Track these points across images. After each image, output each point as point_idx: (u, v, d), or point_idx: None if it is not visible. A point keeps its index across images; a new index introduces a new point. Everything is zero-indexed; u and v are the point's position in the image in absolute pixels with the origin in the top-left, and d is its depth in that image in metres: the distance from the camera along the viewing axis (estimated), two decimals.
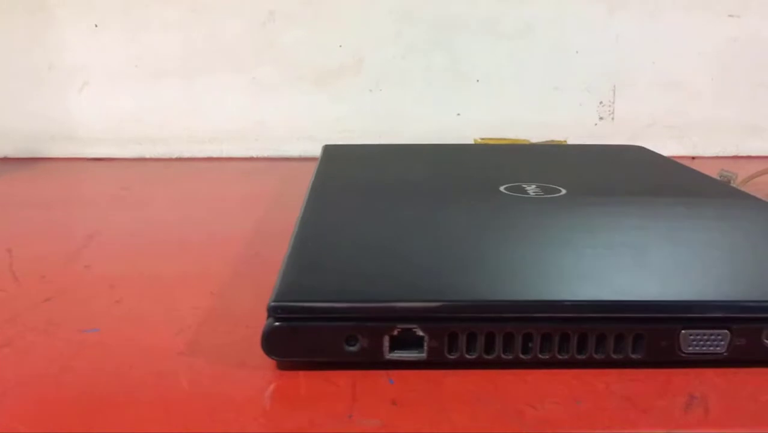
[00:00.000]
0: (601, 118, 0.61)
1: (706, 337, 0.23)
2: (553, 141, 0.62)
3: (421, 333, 0.23)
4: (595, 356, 0.23)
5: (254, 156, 0.61)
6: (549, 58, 0.60)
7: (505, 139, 0.62)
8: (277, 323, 0.23)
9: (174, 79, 0.61)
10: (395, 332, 0.23)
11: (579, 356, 0.23)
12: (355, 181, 0.41)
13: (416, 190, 0.38)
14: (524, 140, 0.62)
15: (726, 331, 0.23)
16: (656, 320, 0.23)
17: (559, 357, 0.23)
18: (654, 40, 0.59)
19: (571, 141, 0.61)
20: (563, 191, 0.37)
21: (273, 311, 0.23)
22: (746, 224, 0.32)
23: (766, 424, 0.20)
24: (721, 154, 0.61)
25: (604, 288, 0.24)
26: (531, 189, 0.37)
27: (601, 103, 0.61)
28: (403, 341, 0.23)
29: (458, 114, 0.61)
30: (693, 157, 0.61)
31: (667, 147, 0.61)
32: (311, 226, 0.30)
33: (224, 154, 0.62)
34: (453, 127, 0.61)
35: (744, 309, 0.23)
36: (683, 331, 0.23)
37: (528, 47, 0.60)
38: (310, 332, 0.23)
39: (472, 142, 0.62)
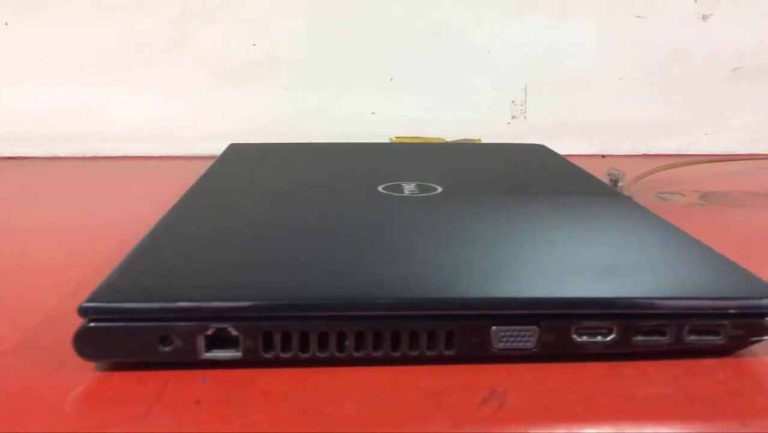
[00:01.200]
0: (513, 117, 0.62)
1: (515, 333, 0.23)
2: (467, 139, 0.63)
3: (235, 333, 0.23)
4: (410, 353, 0.23)
5: (168, 155, 0.61)
6: (461, 58, 0.61)
7: (420, 137, 0.62)
8: (89, 325, 0.23)
9: (87, 77, 0.60)
10: (209, 332, 0.23)
11: (393, 354, 0.23)
12: (236, 181, 0.41)
13: (294, 191, 0.38)
14: (439, 139, 0.63)
15: (535, 327, 0.23)
16: (467, 317, 0.23)
17: (374, 355, 0.23)
18: (563, 41, 0.60)
19: (484, 140, 0.62)
20: (439, 190, 0.38)
21: (84, 312, 0.23)
22: (596, 223, 0.32)
23: (556, 418, 0.21)
24: (631, 152, 0.63)
25: (416, 285, 0.24)
26: (408, 188, 0.38)
27: (513, 102, 0.62)
28: (220, 341, 0.23)
29: (373, 113, 0.62)
30: (603, 156, 0.62)
31: (579, 146, 0.63)
32: (161, 227, 0.30)
33: (138, 153, 0.61)
34: (369, 126, 0.61)
35: (552, 305, 0.23)
36: (494, 327, 0.23)
37: (440, 47, 0.60)
38: (124, 333, 0.23)
39: (387, 140, 0.62)
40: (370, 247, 0.28)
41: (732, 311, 0.23)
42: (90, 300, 0.23)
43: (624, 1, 0.60)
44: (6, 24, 0.60)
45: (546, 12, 0.60)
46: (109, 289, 0.23)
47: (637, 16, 0.60)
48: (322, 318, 0.23)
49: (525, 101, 0.62)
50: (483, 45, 0.61)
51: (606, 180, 0.47)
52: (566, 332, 0.23)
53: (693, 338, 0.24)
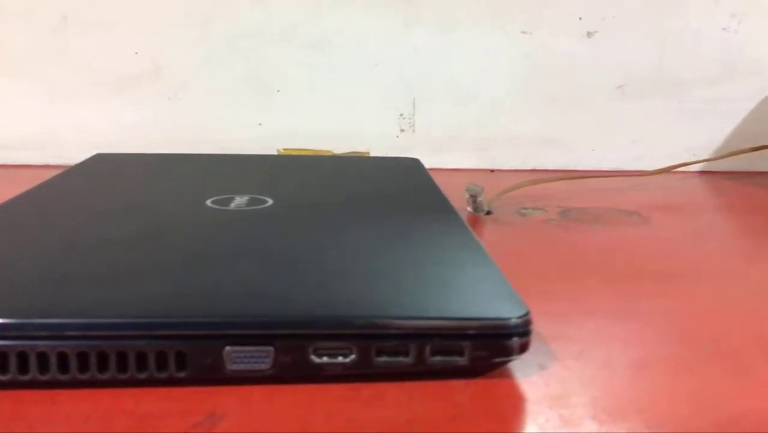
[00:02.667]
0: (402, 131, 0.62)
1: (249, 354, 0.23)
2: (355, 152, 0.62)
3: None
4: (138, 375, 0.22)
5: (49, 164, 0.60)
6: (349, 70, 0.60)
7: (308, 150, 0.62)
8: None
9: None
10: None
11: (120, 376, 0.22)
12: (63, 193, 0.39)
13: (117, 204, 0.37)
14: (327, 151, 0.62)
15: (270, 347, 0.23)
16: (197, 337, 0.22)
17: (100, 377, 0.22)
18: (450, 54, 0.60)
19: (374, 153, 0.62)
20: (269, 203, 0.37)
21: None
22: (394, 241, 0.31)
23: None
24: (521, 167, 0.62)
25: (144, 304, 0.23)
26: (237, 201, 0.37)
27: (401, 115, 0.61)
28: None
29: (260, 124, 0.61)
30: (492, 170, 0.62)
31: (468, 160, 0.62)
32: None
33: (18, 162, 0.59)
34: (256, 137, 0.61)
35: (287, 325, 0.23)
36: (227, 348, 0.22)
37: (328, 58, 0.60)
38: None
39: (275, 152, 0.61)
40: (132, 263, 0.27)
41: (472, 332, 0.23)
42: None
43: (510, 16, 0.60)
44: None
45: (433, 25, 0.60)
46: None
47: (523, 32, 0.60)
48: (40, 338, 0.22)
49: (413, 114, 0.62)
50: (370, 57, 0.60)
51: (466, 196, 0.47)
52: (303, 352, 0.23)
53: (437, 358, 0.23)
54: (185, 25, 0.59)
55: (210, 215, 0.35)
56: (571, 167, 0.62)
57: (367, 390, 0.23)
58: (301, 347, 0.23)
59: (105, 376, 0.22)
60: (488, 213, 0.47)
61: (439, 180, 0.46)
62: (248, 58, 0.60)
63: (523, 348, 0.23)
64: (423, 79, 0.61)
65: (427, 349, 0.23)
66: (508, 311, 0.23)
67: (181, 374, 0.23)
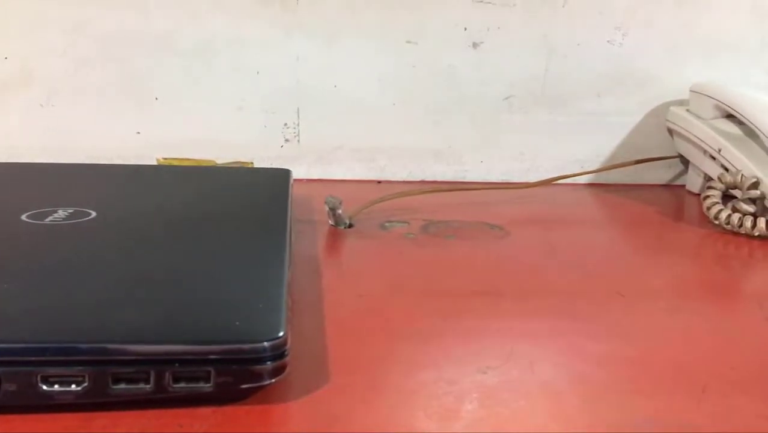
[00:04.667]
0: (287, 140, 0.61)
1: None
2: (239, 162, 0.61)
3: None
4: None
5: None
6: (230, 78, 0.59)
7: (190, 159, 0.60)
8: None
9: None
10: None
11: None
12: None
13: None
14: (210, 161, 0.60)
15: None
16: None
17: None
18: (334, 64, 0.59)
19: (257, 163, 0.60)
20: (91, 216, 0.35)
21: None
22: (193, 258, 0.30)
23: None
24: (409, 178, 0.62)
25: None
26: (57, 215, 0.35)
27: (285, 125, 0.60)
28: None
29: (138, 132, 0.59)
30: (379, 182, 0.61)
31: (356, 170, 0.61)
32: None
33: None
34: (134, 146, 0.59)
35: (10, 352, 0.21)
36: None
37: (207, 66, 0.58)
38: None
39: (154, 162, 0.60)
40: None
41: (214, 357, 0.22)
42: None
43: (394, 26, 0.59)
44: None
45: (315, 34, 0.59)
46: None
47: (408, 42, 0.60)
48: None
49: (298, 124, 0.60)
50: (252, 65, 0.59)
51: (325, 208, 0.46)
52: (31, 380, 0.21)
53: (180, 385, 0.22)
54: (57, 29, 0.57)
55: (17, 231, 0.33)
56: (459, 179, 0.62)
57: (102, 420, 0.21)
58: (28, 375, 0.21)
59: None
60: (350, 226, 0.46)
61: (319, 192, 0.45)
62: (124, 65, 0.58)
63: (276, 373, 0.22)
64: (307, 88, 0.60)
65: (167, 375, 0.22)
66: (259, 334, 0.22)
67: None
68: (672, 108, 0.61)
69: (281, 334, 0.22)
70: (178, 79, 0.59)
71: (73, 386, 0.21)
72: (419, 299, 0.34)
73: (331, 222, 0.46)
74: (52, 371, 0.21)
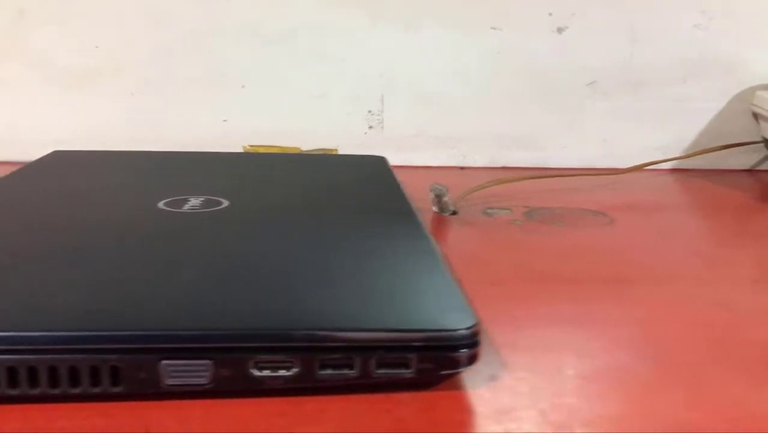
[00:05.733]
0: (370, 127, 0.61)
1: (186, 368, 0.22)
2: (324, 149, 0.61)
3: None
4: (71, 390, 0.22)
5: (7, 161, 0.58)
6: (315, 65, 0.59)
7: (275, 146, 0.61)
8: None
9: None
10: None
11: (52, 391, 0.21)
12: (14, 194, 0.38)
13: (68, 205, 0.36)
14: (295, 148, 0.61)
15: (209, 361, 0.22)
16: (131, 351, 0.22)
17: (31, 393, 0.21)
18: (419, 50, 0.59)
19: (342, 150, 0.61)
20: (224, 204, 0.36)
21: None
22: (350, 246, 0.31)
23: None
24: (490, 165, 0.62)
25: (77, 318, 0.22)
26: (192, 203, 0.36)
27: (369, 112, 0.61)
28: None
29: (225, 120, 0.60)
30: (462, 168, 0.61)
31: (437, 157, 0.62)
32: None
33: None
34: (220, 134, 0.59)
35: (225, 338, 0.22)
36: (163, 362, 0.22)
37: (294, 54, 0.59)
38: None
39: (241, 149, 0.60)
40: (72, 273, 0.26)
41: (418, 344, 0.22)
42: None
43: (479, 12, 0.59)
44: None
45: (400, 21, 0.59)
46: None
47: (492, 28, 0.60)
48: None
49: (382, 111, 0.61)
50: (338, 53, 0.59)
51: (430, 195, 0.46)
52: (243, 366, 0.22)
53: (382, 371, 0.22)
54: (147, 18, 0.58)
55: (161, 219, 0.34)
56: (541, 165, 0.62)
57: (309, 404, 0.22)
58: (241, 361, 0.22)
59: (35, 392, 0.21)
60: (454, 213, 0.46)
61: (406, 179, 0.46)
62: (212, 53, 0.59)
63: (472, 360, 0.23)
64: (391, 75, 0.60)
65: (372, 362, 0.22)
66: (455, 322, 0.23)
67: (116, 389, 0.22)
68: (759, 92, 0.61)
69: (476, 322, 0.23)
70: (264, 67, 0.59)
71: (282, 371, 0.22)
72: (554, 286, 0.34)
73: (435, 209, 0.46)
74: (264, 357, 0.22)
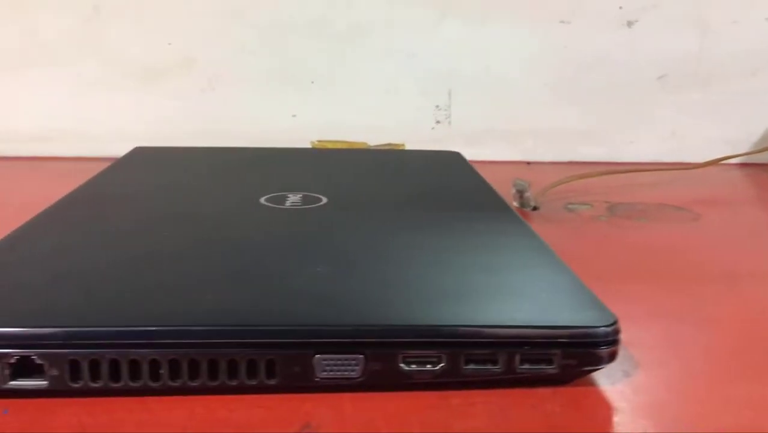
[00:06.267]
0: (438, 122, 0.61)
1: (339, 362, 0.22)
2: (390, 144, 0.61)
3: (39, 361, 0.22)
4: (229, 382, 0.22)
5: (80, 156, 0.59)
6: (384, 61, 0.59)
7: (343, 142, 0.61)
8: None
9: None
10: (13, 360, 0.22)
11: (211, 383, 0.22)
12: (115, 190, 0.39)
13: (171, 202, 0.37)
14: (362, 144, 0.61)
15: (360, 355, 0.22)
16: (287, 345, 0.22)
17: (191, 384, 0.22)
18: (487, 45, 0.59)
19: (409, 145, 0.61)
20: (323, 201, 0.37)
21: None
22: (460, 243, 0.31)
23: None
24: (557, 159, 0.62)
25: (235, 312, 0.23)
26: (292, 199, 0.37)
27: (437, 106, 0.61)
28: (26, 369, 0.22)
29: (294, 116, 0.60)
30: (528, 163, 0.62)
31: (504, 152, 0.62)
32: (9, 241, 0.29)
33: (48, 154, 0.59)
34: (289, 130, 0.60)
35: (377, 333, 0.23)
36: (317, 356, 0.22)
37: (363, 49, 0.59)
38: None
39: (309, 144, 0.61)
40: (208, 268, 0.27)
41: (563, 340, 0.23)
42: None
43: (548, 6, 0.59)
44: None
45: (470, 16, 0.59)
46: None
47: (562, 22, 0.59)
48: (132, 346, 0.22)
49: (449, 106, 0.61)
50: (406, 48, 0.60)
51: (512, 191, 0.46)
52: (393, 360, 0.22)
53: (525, 367, 0.23)
54: (218, 15, 0.59)
55: (268, 215, 0.35)
56: (608, 160, 0.62)
57: (455, 398, 0.23)
58: (391, 356, 0.22)
59: (196, 383, 0.22)
60: (535, 208, 0.47)
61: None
62: (281, 50, 0.59)
63: (612, 357, 0.23)
64: (459, 70, 0.60)
65: (517, 357, 0.23)
66: (597, 319, 0.23)
67: (271, 382, 0.22)
68: None
69: (616, 319, 0.23)
70: (333, 63, 0.60)
71: (429, 366, 0.23)
72: (660, 283, 0.34)
73: (516, 204, 0.46)
74: (413, 352, 0.23)
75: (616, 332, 0.23)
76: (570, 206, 0.47)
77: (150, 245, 0.30)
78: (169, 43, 0.58)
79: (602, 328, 0.23)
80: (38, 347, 0.22)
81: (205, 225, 0.33)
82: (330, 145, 0.62)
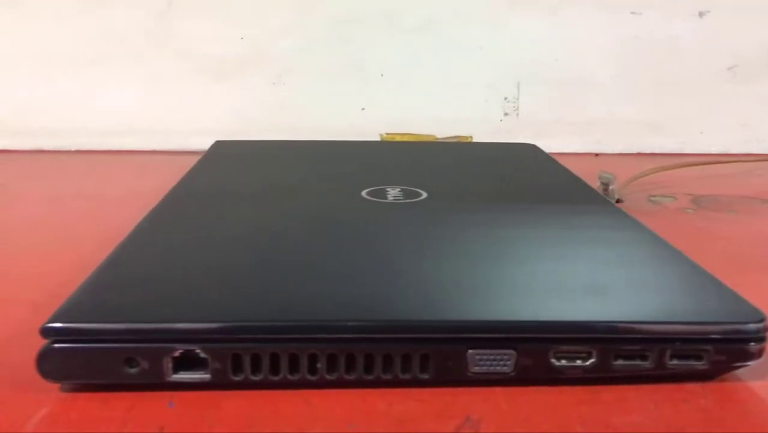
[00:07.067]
0: (506, 114, 0.61)
1: (492, 357, 0.23)
2: (458, 137, 0.62)
3: (203, 355, 0.22)
4: (383, 376, 0.23)
5: (154, 149, 0.60)
6: (453, 53, 0.59)
7: (411, 134, 0.61)
8: (54, 345, 0.22)
9: (70, 69, 0.59)
10: (176, 354, 0.22)
11: (366, 376, 0.23)
12: (218, 184, 0.40)
13: (277, 196, 0.37)
14: (430, 136, 0.62)
15: (512, 351, 0.23)
16: (442, 340, 0.23)
17: (347, 377, 0.23)
18: (556, 37, 0.59)
19: (476, 137, 0.61)
20: (424, 195, 0.37)
21: (45, 333, 0.22)
22: (576, 236, 0.31)
23: None
24: (625, 151, 0.62)
25: (391, 307, 0.23)
26: (393, 193, 0.37)
27: (505, 99, 0.61)
28: (188, 362, 0.23)
29: (363, 109, 0.60)
30: (597, 154, 0.61)
31: (571, 143, 0.62)
32: (134, 237, 0.29)
33: (123, 147, 0.60)
34: (358, 122, 0.61)
35: (529, 329, 0.23)
36: (470, 351, 0.23)
37: (431, 42, 0.59)
38: (88, 354, 0.22)
39: (377, 137, 0.61)
40: (348, 262, 0.28)
41: (715, 336, 0.23)
42: (53, 320, 0.22)
43: None
44: None
45: (539, 7, 0.59)
46: (73, 308, 0.23)
47: (633, 12, 0.59)
48: (292, 340, 0.22)
49: (518, 98, 0.61)
50: (475, 40, 0.59)
51: (596, 183, 0.46)
52: (544, 356, 0.23)
53: (675, 362, 0.23)
54: (289, 9, 0.59)
55: (374, 209, 0.35)
56: (677, 151, 0.61)
57: (606, 394, 0.23)
58: (543, 351, 0.23)
59: (351, 377, 0.23)
60: (618, 201, 0.47)
61: None
62: (352, 43, 0.60)
63: (760, 353, 0.23)
64: (528, 62, 0.60)
65: (667, 353, 0.23)
66: (746, 315, 0.23)
67: (424, 376, 0.23)
68: None
69: (764, 316, 0.23)
70: (402, 56, 0.60)
71: (578, 361, 0.23)
72: None
73: None
74: (564, 347, 0.23)
75: (765, 328, 0.23)
76: (653, 199, 0.47)
77: (278, 240, 0.30)
78: (242, 38, 0.59)
79: (753, 324, 0.23)
80: (203, 341, 0.22)
81: (321, 220, 0.33)
82: (398, 138, 0.62)
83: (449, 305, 0.24)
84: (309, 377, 0.23)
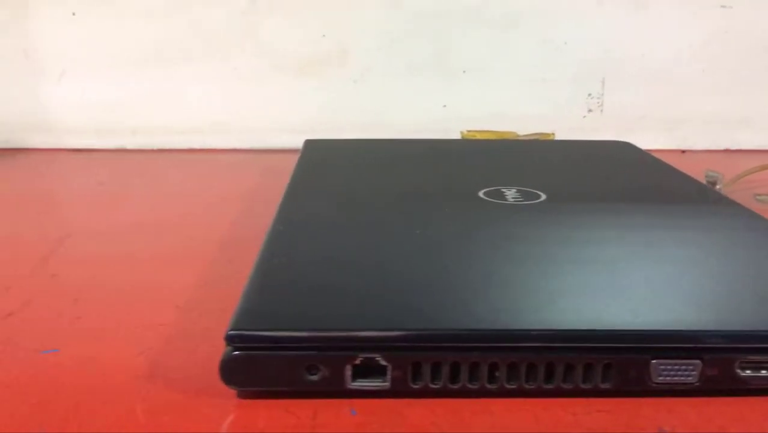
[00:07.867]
0: (590, 111, 0.60)
1: (677, 367, 0.22)
2: (540, 134, 0.61)
3: (384, 362, 0.22)
4: (563, 385, 0.22)
5: (237, 148, 0.60)
6: (537, 49, 0.59)
7: (492, 132, 0.61)
8: (235, 352, 0.22)
9: (154, 68, 0.59)
10: (357, 361, 0.22)
11: (546, 386, 0.22)
12: (332, 184, 0.40)
13: (395, 196, 0.37)
14: (511, 133, 0.61)
15: (698, 361, 0.22)
16: (626, 350, 0.22)
17: (527, 387, 0.22)
18: (643, 32, 0.58)
19: (558, 134, 0.60)
20: (543, 197, 0.36)
21: (231, 340, 0.22)
22: (725, 239, 0.31)
23: None
24: (712, 147, 0.60)
25: (573, 315, 0.23)
26: (510, 194, 0.36)
27: (590, 95, 0.60)
28: (366, 370, 0.22)
29: (444, 106, 0.60)
30: (683, 151, 0.60)
31: (657, 140, 0.61)
32: (279, 239, 0.29)
33: (206, 146, 0.60)
34: (439, 120, 0.60)
35: (716, 339, 0.22)
36: (653, 361, 0.22)
37: (515, 37, 0.58)
38: (270, 361, 0.22)
39: (458, 134, 0.61)
40: (504, 268, 0.27)
41: None
42: (235, 327, 0.22)
43: None
44: (73, 14, 0.59)
45: (626, 2, 0.58)
46: (254, 315, 0.23)
47: (722, 6, 0.58)
48: (474, 349, 0.22)
49: (602, 94, 0.60)
50: (560, 36, 0.59)
51: (704, 182, 0.45)
52: (730, 366, 0.22)
53: None
54: (372, 5, 0.59)
55: (497, 210, 0.34)
56: (765, 147, 0.60)
57: None
58: (729, 361, 0.22)
59: (531, 386, 0.22)
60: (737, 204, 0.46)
61: None
62: (434, 40, 0.59)
63: None
64: (614, 57, 0.59)
65: None
66: None
67: (605, 386, 0.22)
68: None
69: None
70: (485, 52, 0.60)
71: (764, 372, 0.22)
72: None
73: None
74: (751, 357, 0.22)
75: None
76: (759, 197, 0.46)
77: (426, 244, 0.30)
78: (323, 35, 0.59)
79: None
80: (385, 349, 0.22)
81: (455, 223, 0.33)
82: (479, 136, 0.61)
83: (631, 314, 0.23)
84: (488, 385, 0.22)
